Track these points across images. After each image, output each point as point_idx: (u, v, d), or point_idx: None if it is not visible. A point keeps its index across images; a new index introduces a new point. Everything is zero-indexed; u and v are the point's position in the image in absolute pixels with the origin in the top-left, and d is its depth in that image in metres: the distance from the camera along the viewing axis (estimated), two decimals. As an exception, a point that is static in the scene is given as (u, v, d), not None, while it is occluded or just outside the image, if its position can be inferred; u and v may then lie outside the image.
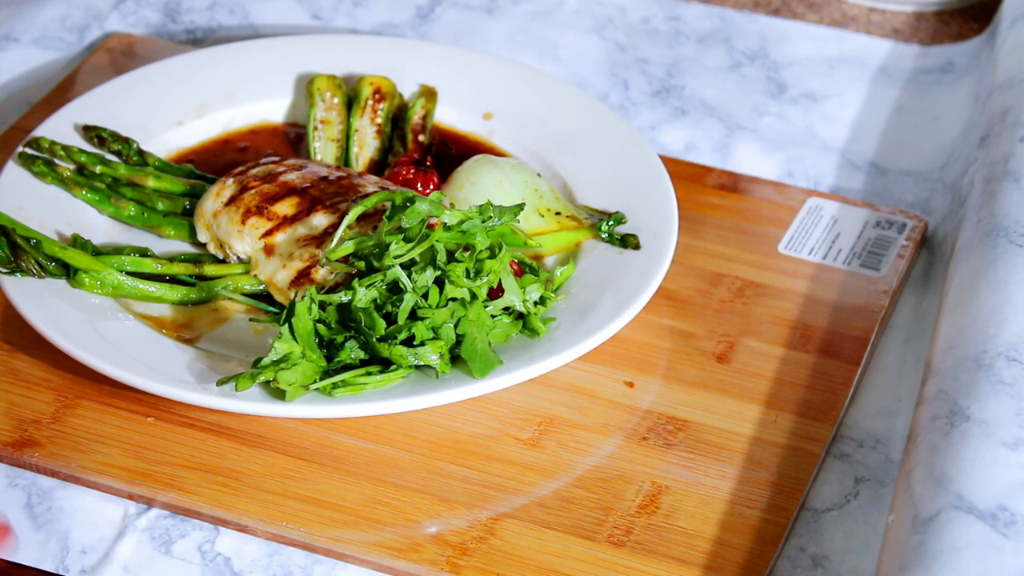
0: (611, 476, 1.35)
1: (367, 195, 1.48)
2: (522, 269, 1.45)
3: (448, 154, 1.64)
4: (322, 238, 1.45)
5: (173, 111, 1.65)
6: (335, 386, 1.34)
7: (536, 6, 1.89)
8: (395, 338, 1.35)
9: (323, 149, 1.63)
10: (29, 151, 1.57)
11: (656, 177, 1.55)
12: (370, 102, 1.64)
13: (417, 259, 1.38)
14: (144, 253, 1.49)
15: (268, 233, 1.47)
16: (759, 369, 1.44)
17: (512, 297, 1.39)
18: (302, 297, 1.36)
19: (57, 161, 1.56)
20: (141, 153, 1.59)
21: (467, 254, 1.38)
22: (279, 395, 1.34)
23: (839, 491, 1.36)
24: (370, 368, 1.36)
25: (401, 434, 1.38)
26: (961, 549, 1.18)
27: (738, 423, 1.39)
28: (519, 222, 1.48)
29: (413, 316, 1.36)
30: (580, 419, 1.39)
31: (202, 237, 1.52)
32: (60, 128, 1.60)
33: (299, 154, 1.65)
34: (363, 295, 1.36)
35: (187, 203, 1.55)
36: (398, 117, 1.65)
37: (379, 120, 1.63)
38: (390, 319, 1.37)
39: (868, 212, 1.60)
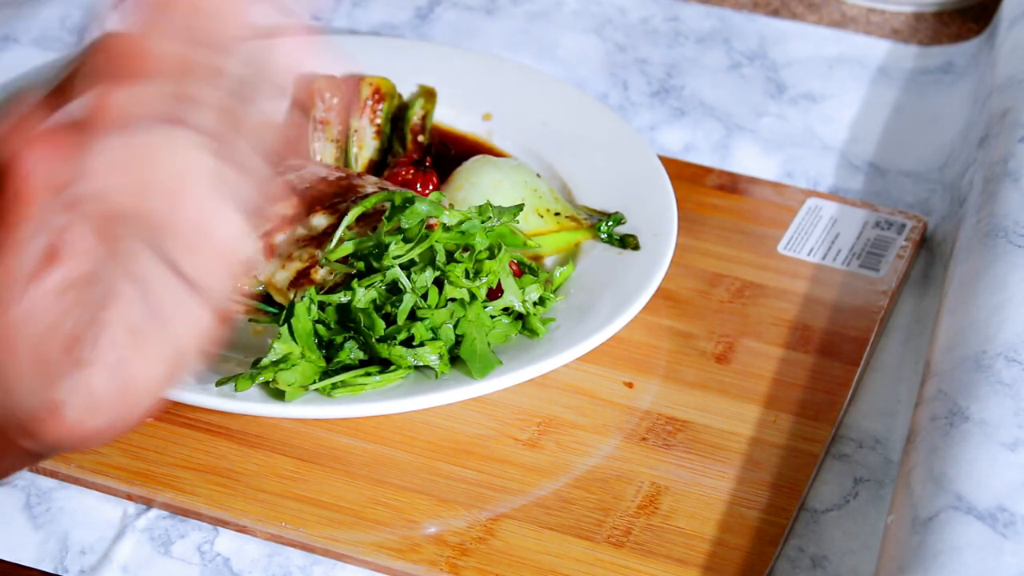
0: (610, 476, 1.35)
1: (366, 195, 1.48)
2: (521, 269, 1.45)
3: (447, 154, 1.63)
4: (321, 239, 1.45)
5: (172, 111, 1.65)
6: (334, 386, 1.34)
7: (535, 6, 1.89)
8: (394, 339, 1.35)
9: (322, 150, 1.63)
10: (28, 151, 1.56)
11: (656, 177, 1.55)
12: (369, 102, 1.64)
13: (416, 259, 1.38)
14: (143, 253, 1.49)
15: (267, 233, 1.47)
16: (758, 369, 1.44)
17: (511, 298, 1.39)
18: (301, 297, 1.35)
19: (56, 161, 1.56)
20: (140, 153, 1.58)
21: (466, 254, 1.38)
22: (278, 395, 1.34)
23: (838, 491, 1.36)
24: (369, 369, 1.36)
25: (400, 434, 1.38)
26: (960, 549, 1.17)
27: (737, 424, 1.39)
28: (518, 222, 1.48)
29: (412, 316, 1.36)
30: (579, 419, 1.39)
31: (201, 237, 1.52)
32: (59, 128, 1.60)
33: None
34: (362, 295, 1.36)
35: (186, 203, 1.55)
36: (397, 117, 1.65)
37: (378, 120, 1.63)
38: (389, 319, 1.36)
39: (867, 212, 1.60)
